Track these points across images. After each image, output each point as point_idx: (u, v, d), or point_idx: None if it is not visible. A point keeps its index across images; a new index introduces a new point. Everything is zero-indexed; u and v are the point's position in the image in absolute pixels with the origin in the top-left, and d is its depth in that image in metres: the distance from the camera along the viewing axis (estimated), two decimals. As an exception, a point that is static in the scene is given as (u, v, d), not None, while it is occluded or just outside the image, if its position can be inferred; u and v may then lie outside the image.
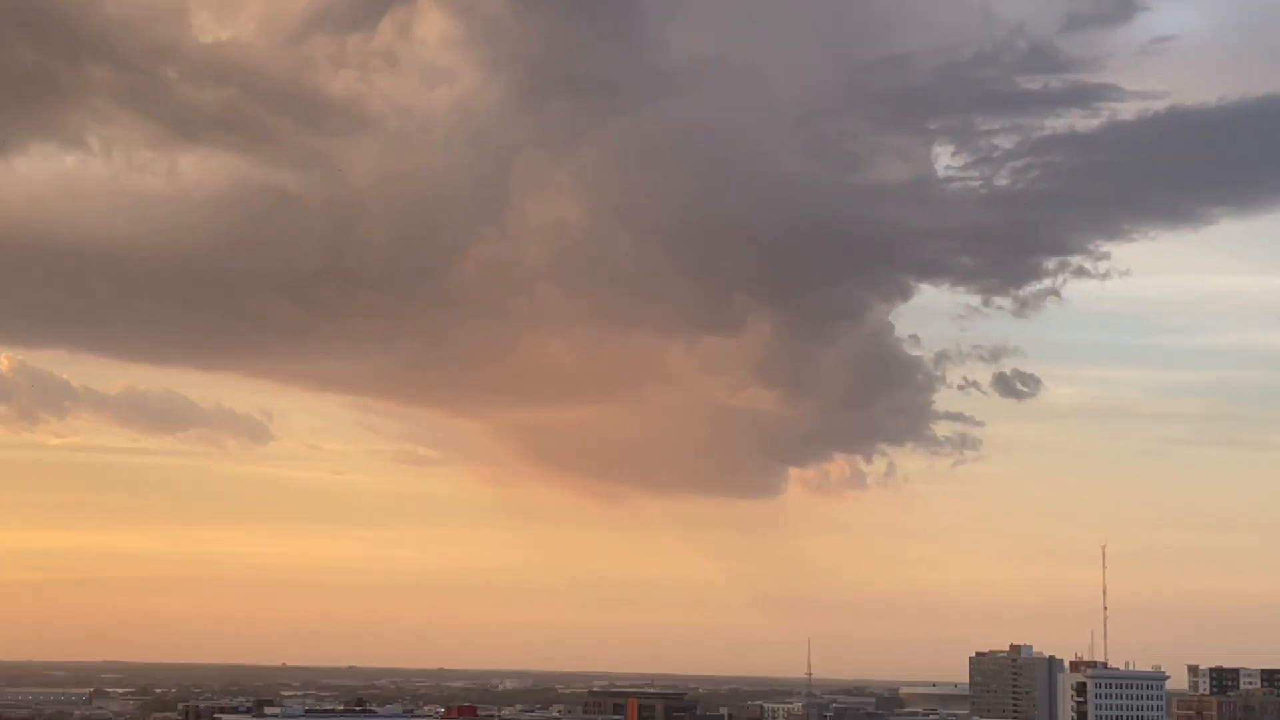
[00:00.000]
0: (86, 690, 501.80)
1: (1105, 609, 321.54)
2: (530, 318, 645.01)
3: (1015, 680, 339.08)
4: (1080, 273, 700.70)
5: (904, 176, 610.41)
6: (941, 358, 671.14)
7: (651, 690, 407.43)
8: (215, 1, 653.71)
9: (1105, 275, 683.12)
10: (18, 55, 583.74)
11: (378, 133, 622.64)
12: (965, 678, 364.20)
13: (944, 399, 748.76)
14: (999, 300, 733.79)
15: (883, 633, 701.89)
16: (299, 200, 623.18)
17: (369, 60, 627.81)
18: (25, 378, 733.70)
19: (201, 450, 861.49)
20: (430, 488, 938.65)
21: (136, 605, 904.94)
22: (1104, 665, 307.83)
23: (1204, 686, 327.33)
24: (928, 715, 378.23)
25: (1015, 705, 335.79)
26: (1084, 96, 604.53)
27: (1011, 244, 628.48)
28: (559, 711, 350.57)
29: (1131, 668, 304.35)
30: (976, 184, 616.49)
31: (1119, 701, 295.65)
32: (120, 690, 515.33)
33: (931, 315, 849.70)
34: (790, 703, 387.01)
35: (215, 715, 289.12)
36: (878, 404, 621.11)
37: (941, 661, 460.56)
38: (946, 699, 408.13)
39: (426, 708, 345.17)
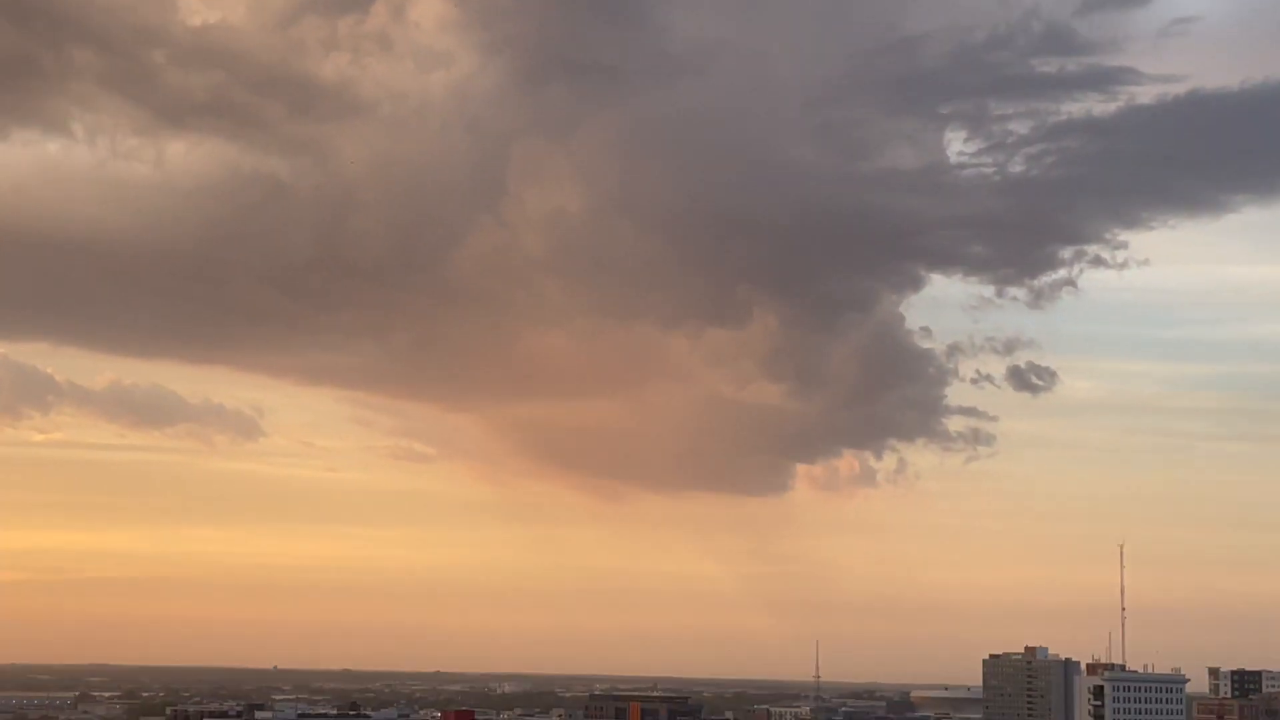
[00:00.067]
0: (71, 694, 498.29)
1: (1123, 609, 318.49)
2: (528, 309, 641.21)
3: (1030, 683, 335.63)
4: (1097, 262, 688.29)
5: (915, 163, 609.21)
6: (954, 350, 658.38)
7: (654, 694, 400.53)
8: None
9: (1123, 265, 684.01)
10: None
11: (371, 119, 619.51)
12: (979, 681, 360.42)
13: (956, 393, 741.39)
14: (1013, 291, 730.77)
15: (893, 634, 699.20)
16: (290, 188, 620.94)
17: (362, 43, 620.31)
18: (7, 372, 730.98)
19: (190, 446, 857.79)
20: (426, 485, 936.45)
21: (123, 606, 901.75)
22: (1122, 668, 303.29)
23: (1225, 689, 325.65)
24: (940, 719, 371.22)
25: (1030, 709, 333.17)
26: (1101, 80, 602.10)
27: (1026, 233, 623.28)
28: (559, 716, 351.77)
29: (1150, 670, 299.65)
30: (990, 171, 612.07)
31: (1137, 705, 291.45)
32: (106, 694, 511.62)
33: (943, 306, 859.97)
34: (798, 707, 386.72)
35: (205, 719, 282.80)
36: (888, 398, 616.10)
37: (954, 664, 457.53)
38: (959, 703, 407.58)
39: (422, 712, 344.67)
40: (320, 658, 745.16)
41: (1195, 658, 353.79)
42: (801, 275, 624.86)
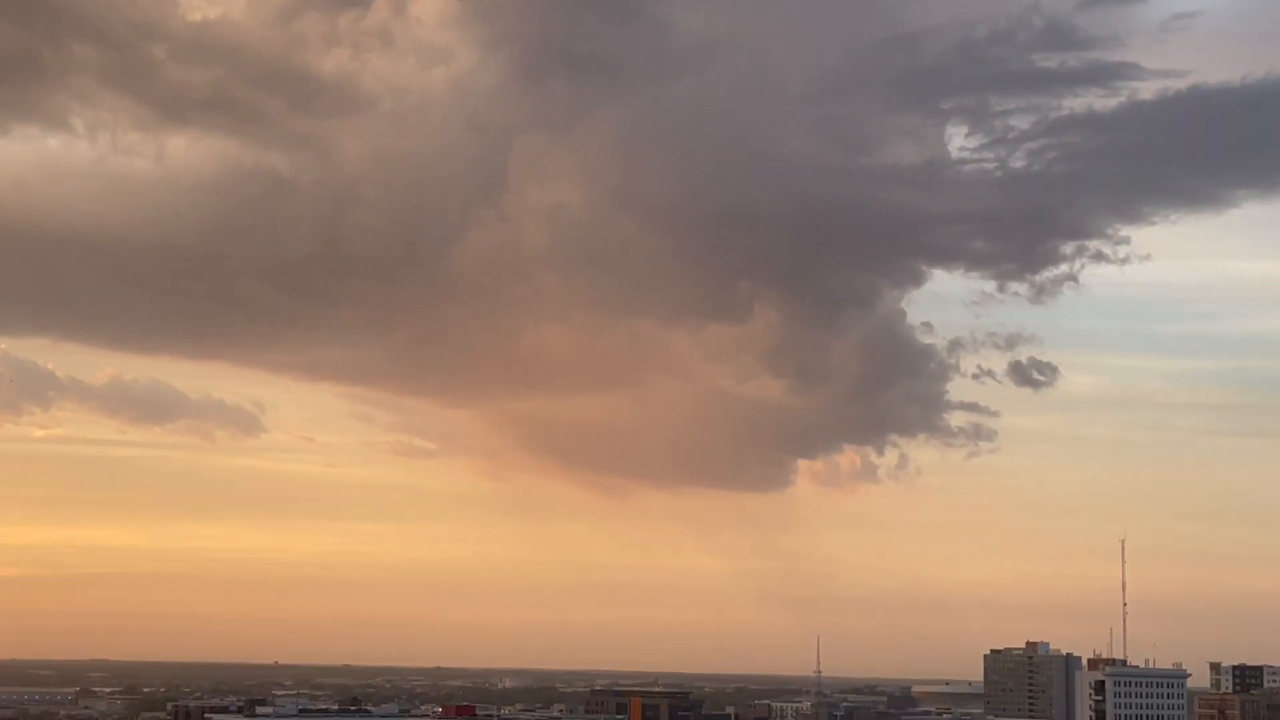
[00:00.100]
0: (72, 689, 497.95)
1: (1124, 605, 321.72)
2: (529, 305, 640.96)
3: (1031, 678, 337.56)
4: (1099, 257, 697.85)
5: (916, 158, 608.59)
6: (955, 346, 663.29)
7: (655, 689, 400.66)
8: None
9: (1124, 260, 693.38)
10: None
11: (371, 114, 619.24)
12: (980, 676, 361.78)
13: (958, 388, 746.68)
14: (1015, 286, 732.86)
15: (894, 629, 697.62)
16: (291, 184, 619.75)
17: (362, 39, 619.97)
18: (8, 367, 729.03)
19: (190, 442, 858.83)
20: (426, 480, 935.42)
21: (124, 602, 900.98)
22: (1123, 663, 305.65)
23: (1226, 684, 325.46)
24: (941, 715, 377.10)
25: (1031, 704, 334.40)
26: (1103, 75, 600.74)
27: (1027, 228, 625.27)
28: (560, 711, 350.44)
29: (1152, 665, 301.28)
30: (991, 166, 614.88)
31: (1139, 700, 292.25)
32: (107, 689, 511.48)
33: (945, 302, 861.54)
34: (799, 702, 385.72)
35: (206, 715, 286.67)
36: (889, 394, 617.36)
37: (955, 659, 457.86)
38: (960, 698, 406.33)
39: (423, 707, 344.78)
40: (321, 653, 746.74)
41: (1196, 653, 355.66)
42: (803, 271, 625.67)
